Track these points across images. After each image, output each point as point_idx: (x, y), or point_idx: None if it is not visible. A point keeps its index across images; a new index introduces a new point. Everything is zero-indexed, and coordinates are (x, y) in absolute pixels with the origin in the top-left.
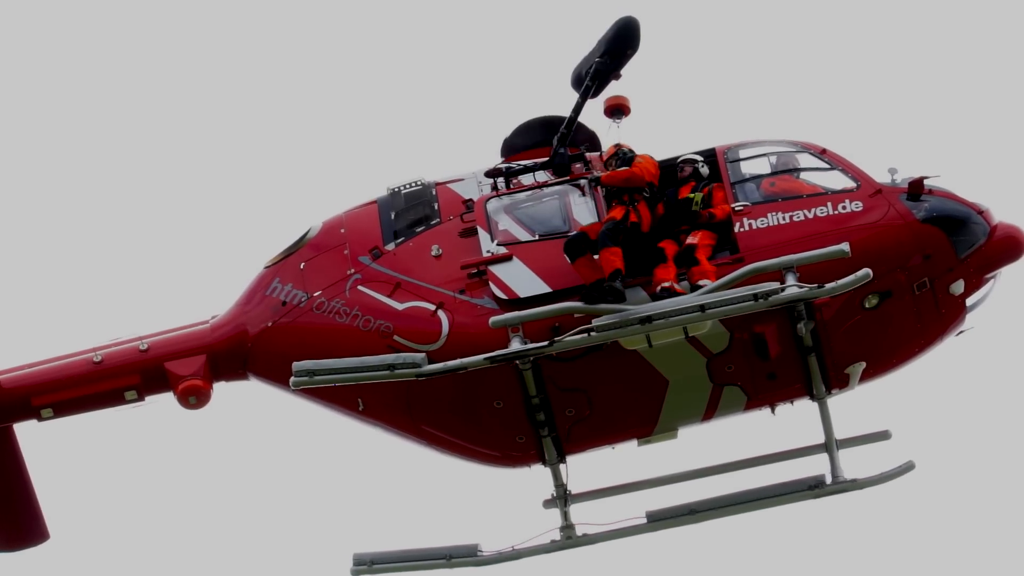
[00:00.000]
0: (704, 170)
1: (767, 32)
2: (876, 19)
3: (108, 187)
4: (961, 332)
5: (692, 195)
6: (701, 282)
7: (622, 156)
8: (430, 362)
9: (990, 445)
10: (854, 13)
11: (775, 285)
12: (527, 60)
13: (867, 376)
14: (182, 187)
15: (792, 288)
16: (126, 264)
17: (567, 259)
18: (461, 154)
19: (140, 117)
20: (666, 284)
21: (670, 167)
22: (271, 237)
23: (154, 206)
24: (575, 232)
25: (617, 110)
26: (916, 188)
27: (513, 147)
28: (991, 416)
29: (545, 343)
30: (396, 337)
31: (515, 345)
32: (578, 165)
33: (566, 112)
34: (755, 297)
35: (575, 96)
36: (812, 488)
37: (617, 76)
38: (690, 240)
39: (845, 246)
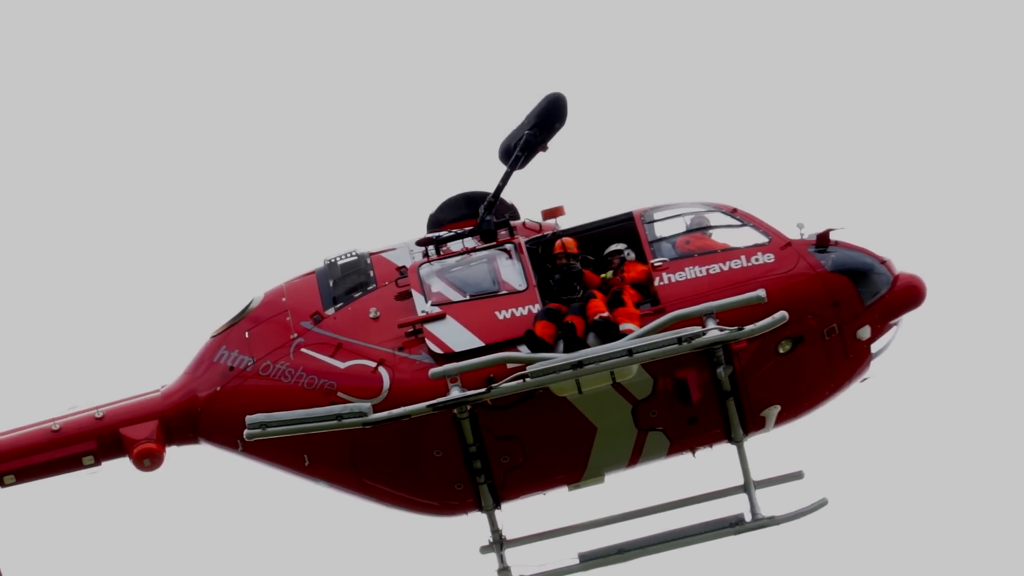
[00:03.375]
0: (629, 255)
1: (681, 99)
2: (779, 81)
3: (56, 263)
4: (864, 379)
5: (604, 275)
6: (625, 325)
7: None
8: (371, 418)
9: (896, 483)
10: (761, 75)
11: (698, 329)
12: (444, 133)
13: (782, 419)
14: (124, 265)
15: (713, 331)
16: (76, 337)
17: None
18: (388, 226)
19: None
20: (604, 314)
21: (592, 237)
22: (214, 308)
23: (99, 281)
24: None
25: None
26: (823, 241)
27: (439, 221)
28: (896, 455)
29: (483, 389)
30: (340, 393)
31: (455, 393)
32: (503, 232)
33: (486, 187)
34: (679, 340)
35: (502, 168)
36: (733, 526)
37: (544, 148)
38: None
39: (761, 292)
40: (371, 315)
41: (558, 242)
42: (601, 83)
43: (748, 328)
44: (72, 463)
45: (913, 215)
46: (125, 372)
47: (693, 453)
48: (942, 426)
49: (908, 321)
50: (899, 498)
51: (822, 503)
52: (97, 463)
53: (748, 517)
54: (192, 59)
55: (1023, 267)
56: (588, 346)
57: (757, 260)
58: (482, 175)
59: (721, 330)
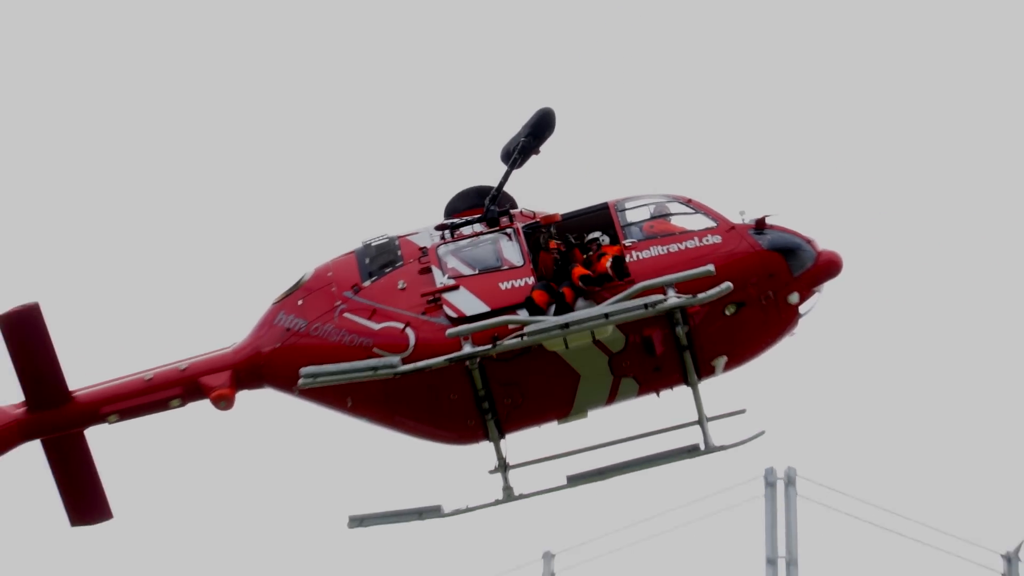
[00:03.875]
0: (604, 240)
1: (653, 102)
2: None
3: (149, 249)
4: (793, 335)
5: (589, 255)
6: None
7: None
8: (402, 368)
9: (821, 416)
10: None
11: (660, 297)
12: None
13: (728, 366)
14: (198, 250)
15: (672, 299)
16: (165, 308)
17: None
18: (411, 215)
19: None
20: (583, 272)
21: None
22: (273, 282)
23: (177, 266)
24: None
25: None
26: (760, 225)
27: (454, 209)
28: (822, 394)
29: (489, 346)
30: (375, 349)
31: (467, 349)
32: (504, 219)
33: (492, 182)
34: (645, 306)
35: (503, 168)
36: (690, 452)
37: (537, 152)
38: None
39: (711, 267)
40: (399, 286)
41: (554, 241)
42: (580, 88)
43: (700, 296)
44: (162, 405)
45: (846, 200)
46: (203, 334)
47: (658, 394)
48: (861, 373)
49: (829, 287)
50: (825, 427)
51: (760, 433)
52: (183, 405)
53: (702, 446)
54: (251, 59)
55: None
56: (574, 311)
57: (707, 241)
58: (487, 172)
59: (679, 297)
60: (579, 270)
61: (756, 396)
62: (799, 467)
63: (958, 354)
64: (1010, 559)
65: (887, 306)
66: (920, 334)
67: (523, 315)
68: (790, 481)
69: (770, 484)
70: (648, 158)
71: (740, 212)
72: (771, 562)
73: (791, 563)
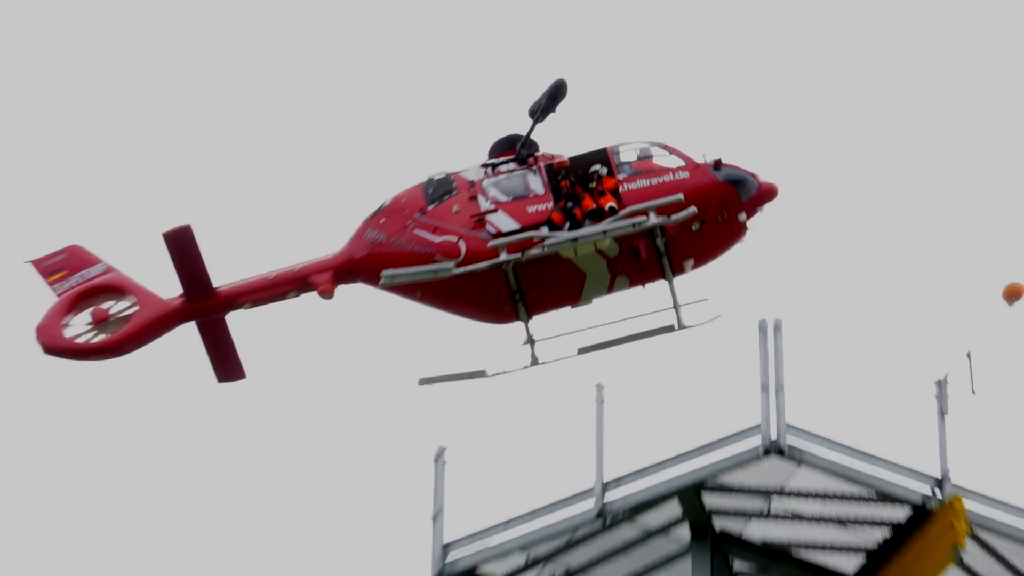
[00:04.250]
0: (604, 171)
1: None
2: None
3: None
4: (743, 242)
5: (592, 185)
6: (609, 205)
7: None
8: (457, 270)
9: (773, 296)
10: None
11: (644, 218)
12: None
13: (695, 267)
14: (316, 188)
15: (653, 219)
16: (280, 230)
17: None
18: (469, 151)
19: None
20: (592, 207)
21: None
22: (362, 206)
23: (292, 201)
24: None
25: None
26: (717, 164)
27: (495, 150)
28: (770, 286)
29: (519, 254)
30: (436, 256)
31: (503, 256)
32: (530, 159)
33: (522, 130)
34: (633, 225)
35: (529, 121)
36: (666, 329)
37: (554, 111)
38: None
39: (680, 195)
40: (454, 210)
41: (565, 178)
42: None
43: (673, 217)
44: (282, 296)
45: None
46: (310, 243)
47: (643, 287)
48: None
49: (768, 208)
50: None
51: (718, 316)
52: (297, 295)
53: (676, 325)
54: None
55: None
56: (582, 228)
57: (679, 176)
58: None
59: (657, 218)
60: (588, 203)
61: (714, 288)
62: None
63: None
64: (941, 385)
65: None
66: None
67: (544, 231)
68: (777, 328)
69: (762, 331)
70: (633, 109)
71: (703, 155)
72: (764, 388)
73: (779, 388)
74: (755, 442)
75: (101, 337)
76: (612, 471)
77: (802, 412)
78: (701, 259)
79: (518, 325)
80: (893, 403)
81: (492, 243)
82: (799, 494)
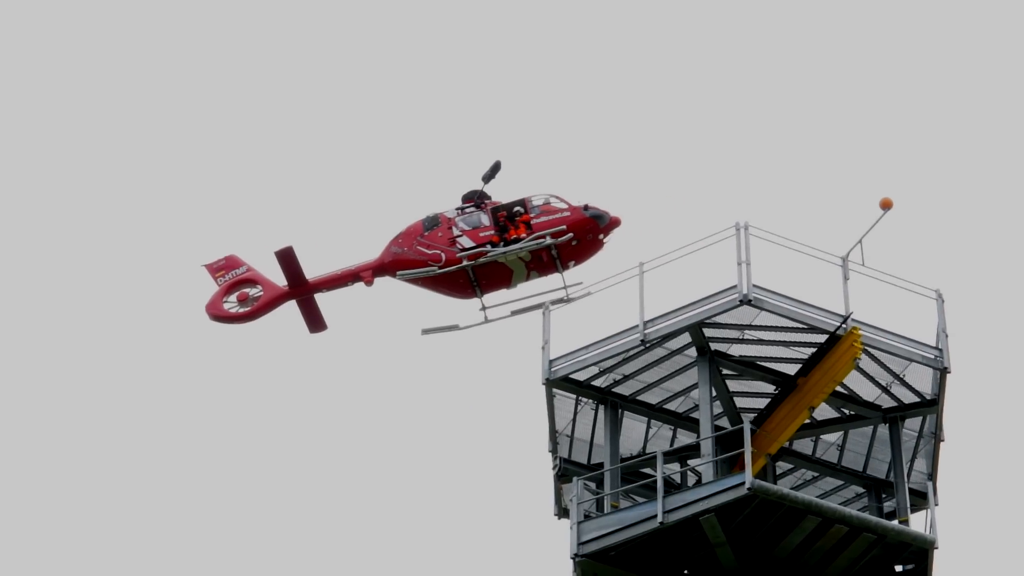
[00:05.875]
0: (522, 211)
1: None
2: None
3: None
4: (602, 251)
5: (516, 220)
6: (516, 238)
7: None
8: (440, 270)
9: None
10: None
11: (543, 240)
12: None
13: (575, 266)
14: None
15: (548, 240)
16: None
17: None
18: (449, 201)
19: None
20: (516, 235)
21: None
22: (390, 229)
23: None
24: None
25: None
26: (586, 207)
27: (464, 199)
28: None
29: (475, 261)
30: (428, 262)
31: (466, 262)
32: (483, 204)
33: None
34: (538, 244)
35: (480, 184)
36: (561, 300)
37: (494, 177)
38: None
39: (564, 227)
40: (439, 235)
41: (502, 214)
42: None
43: (560, 239)
44: (347, 284)
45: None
46: (350, 252)
47: (547, 276)
48: None
49: (617, 233)
50: None
51: (586, 293)
52: (354, 284)
53: (566, 296)
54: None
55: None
56: (511, 246)
57: (564, 215)
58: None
59: (552, 240)
60: (516, 231)
61: (585, 276)
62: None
63: None
64: (844, 259)
65: None
66: None
67: (489, 248)
68: (747, 227)
69: (738, 229)
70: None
71: (584, 204)
72: (739, 263)
73: (747, 263)
74: (735, 296)
75: (243, 310)
76: (648, 315)
77: (763, 278)
78: (578, 262)
79: (476, 300)
80: (819, 270)
81: (460, 254)
82: (761, 327)
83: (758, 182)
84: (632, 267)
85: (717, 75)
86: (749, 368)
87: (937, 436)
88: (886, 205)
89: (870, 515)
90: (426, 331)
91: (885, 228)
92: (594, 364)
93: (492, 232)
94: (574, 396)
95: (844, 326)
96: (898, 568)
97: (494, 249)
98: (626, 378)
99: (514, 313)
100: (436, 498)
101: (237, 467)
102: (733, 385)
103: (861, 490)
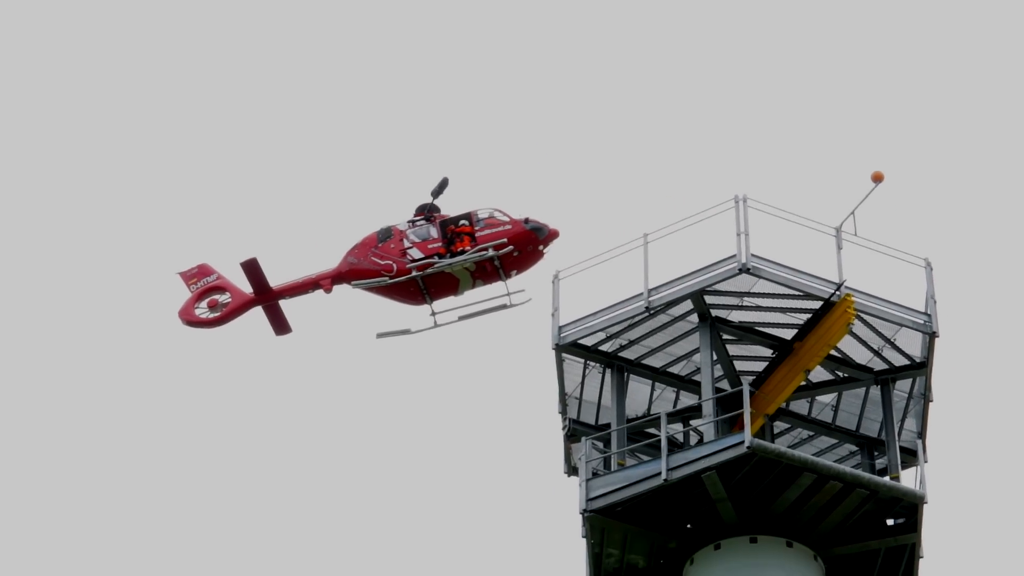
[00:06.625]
0: (463, 222)
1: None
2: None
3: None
4: (543, 261)
5: (462, 232)
6: (461, 249)
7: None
8: (391, 279)
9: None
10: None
11: (487, 252)
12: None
13: (517, 275)
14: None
15: (491, 252)
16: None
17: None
18: (405, 213)
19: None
20: (463, 247)
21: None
22: (348, 239)
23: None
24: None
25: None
26: (527, 220)
27: (416, 211)
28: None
29: (423, 271)
30: (382, 272)
31: (415, 273)
32: (432, 217)
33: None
34: (482, 255)
35: (430, 198)
36: (503, 307)
37: (442, 192)
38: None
39: (505, 240)
40: (391, 246)
41: (450, 227)
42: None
43: (501, 251)
44: (306, 292)
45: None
46: (311, 260)
47: (491, 284)
48: None
49: (558, 243)
50: None
51: (528, 300)
52: (313, 291)
53: (508, 303)
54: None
55: None
56: (457, 258)
57: (506, 228)
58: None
59: (494, 252)
60: (462, 244)
61: (527, 284)
62: None
63: None
64: (838, 231)
65: None
66: None
67: (436, 259)
68: (746, 200)
69: (736, 202)
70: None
71: (524, 218)
72: (737, 234)
73: (745, 233)
74: (734, 265)
75: (213, 315)
76: (652, 283)
77: (761, 248)
78: (520, 271)
79: (426, 307)
80: (814, 240)
81: (409, 265)
82: (759, 294)
83: (756, 157)
84: (637, 238)
85: (718, 56)
86: (748, 333)
87: (926, 397)
88: (877, 178)
89: (863, 472)
90: (380, 335)
91: (876, 200)
92: (601, 330)
93: (440, 244)
94: (582, 360)
95: (838, 293)
96: (889, 522)
97: (441, 260)
98: (631, 343)
99: (461, 319)
100: (453, 457)
101: (237, 465)
102: (733, 349)
103: (854, 448)
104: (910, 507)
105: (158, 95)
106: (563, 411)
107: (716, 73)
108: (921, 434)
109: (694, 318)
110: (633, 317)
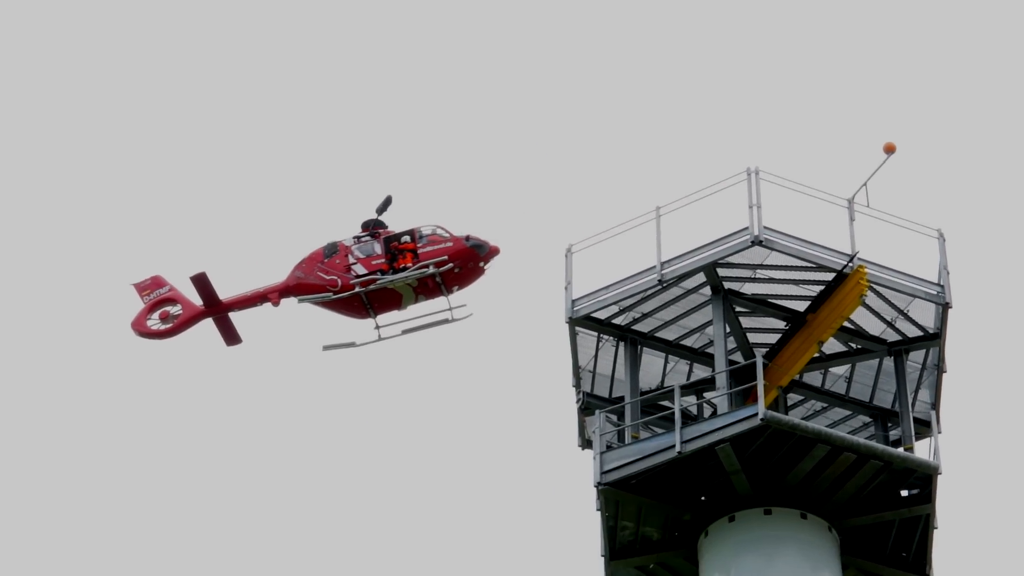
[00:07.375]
0: (406, 239)
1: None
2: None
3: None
4: (483, 277)
5: (405, 249)
6: (404, 266)
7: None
8: (336, 295)
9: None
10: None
11: (428, 268)
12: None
13: (458, 290)
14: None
15: (432, 269)
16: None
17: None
18: (351, 228)
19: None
20: (405, 264)
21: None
22: (295, 254)
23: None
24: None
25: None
26: (468, 238)
27: (362, 227)
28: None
29: (367, 287)
30: (328, 287)
31: (359, 288)
32: (377, 234)
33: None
34: (423, 272)
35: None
36: (444, 321)
37: (386, 210)
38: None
39: (446, 257)
40: (337, 261)
41: (393, 243)
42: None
43: (442, 268)
44: (255, 304)
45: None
46: (260, 274)
47: (433, 299)
48: None
49: (499, 261)
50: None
51: (469, 315)
52: (262, 305)
53: (449, 318)
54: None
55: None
56: (399, 274)
57: (448, 245)
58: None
59: (435, 268)
60: (404, 260)
61: (470, 299)
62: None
63: None
64: (849, 202)
65: None
66: None
67: (379, 275)
68: (758, 172)
69: (748, 174)
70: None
71: (465, 235)
72: (749, 207)
73: (758, 206)
74: (746, 238)
75: (164, 327)
76: (665, 256)
77: (773, 220)
78: (461, 287)
79: (370, 320)
80: (827, 212)
81: (353, 280)
82: (772, 267)
83: (768, 129)
84: (649, 211)
85: (731, 29)
86: (761, 305)
87: (940, 368)
88: (889, 149)
89: (877, 443)
90: (326, 347)
91: (889, 171)
92: (614, 303)
93: (383, 260)
94: (596, 334)
95: (850, 264)
96: (904, 493)
97: (384, 277)
98: (644, 316)
99: (405, 332)
100: (468, 431)
101: (237, 465)
102: (746, 322)
103: (868, 420)
104: (924, 478)
105: (97, 118)
106: (577, 384)
107: (728, 46)
108: (935, 405)
109: (707, 291)
110: (646, 290)
